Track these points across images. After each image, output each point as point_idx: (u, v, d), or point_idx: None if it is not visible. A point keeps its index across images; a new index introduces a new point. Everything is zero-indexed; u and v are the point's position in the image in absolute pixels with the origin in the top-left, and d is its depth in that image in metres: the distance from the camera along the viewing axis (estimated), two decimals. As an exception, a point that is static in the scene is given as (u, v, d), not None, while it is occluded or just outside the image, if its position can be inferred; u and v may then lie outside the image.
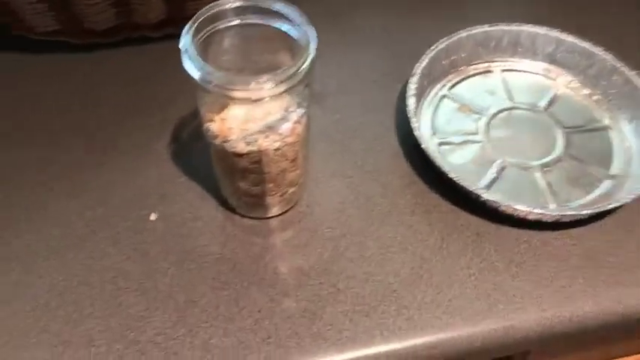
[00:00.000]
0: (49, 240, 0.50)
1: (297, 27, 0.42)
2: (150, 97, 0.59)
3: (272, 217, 0.52)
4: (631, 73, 0.57)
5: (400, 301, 0.47)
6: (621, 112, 0.58)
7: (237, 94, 0.39)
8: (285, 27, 0.43)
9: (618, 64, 0.58)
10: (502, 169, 0.55)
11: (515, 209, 0.49)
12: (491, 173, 0.54)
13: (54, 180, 0.53)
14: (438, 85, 0.60)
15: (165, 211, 0.52)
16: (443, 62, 0.60)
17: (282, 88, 0.39)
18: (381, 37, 0.66)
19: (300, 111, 0.45)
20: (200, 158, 0.54)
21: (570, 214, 0.49)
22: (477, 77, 0.61)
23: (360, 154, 0.56)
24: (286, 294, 0.48)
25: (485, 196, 0.49)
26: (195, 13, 0.42)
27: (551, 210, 0.50)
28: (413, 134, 0.53)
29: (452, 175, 0.50)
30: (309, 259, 0.50)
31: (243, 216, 0.52)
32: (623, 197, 0.50)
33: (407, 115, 0.54)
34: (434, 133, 0.57)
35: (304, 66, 0.40)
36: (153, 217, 0.51)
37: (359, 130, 0.58)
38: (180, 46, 0.40)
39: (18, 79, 0.61)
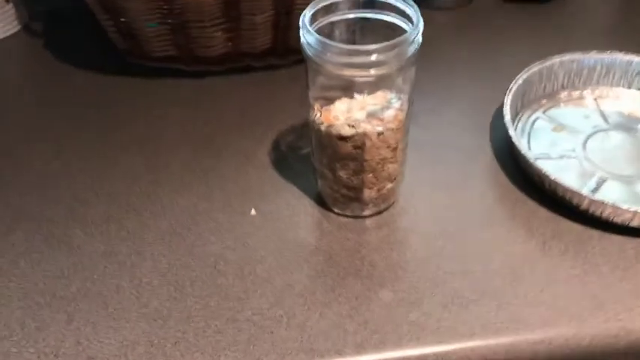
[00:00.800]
0: (157, 229, 0.52)
1: (407, 19, 0.45)
2: (252, 117, 0.63)
3: (366, 216, 0.52)
4: None
5: (501, 296, 0.46)
6: None
7: (355, 60, 0.41)
8: (395, 19, 0.46)
9: None
10: (602, 181, 0.54)
11: (622, 211, 0.48)
12: (590, 185, 0.54)
13: (167, 180, 0.57)
14: (531, 109, 0.61)
15: (264, 208, 0.54)
16: (536, 87, 0.61)
17: (395, 64, 0.42)
18: (477, 63, 0.69)
19: (403, 98, 0.47)
20: (297, 165, 0.57)
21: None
22: (570, 103, 0.62)
23: (454, 165, 0.57)
24: (382, 285, 0.47)
25: (589, 199, 0.48)
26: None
27: (659, 214, 0.48)
28: (509, 147, 0.54)
29: (553, 177, 0.50)
30: (404, 254, 0.49)
31: (338, 214, 0.53)
32: None
33: (502, 130, 0.55)
34: (531, 151, 0.57)
35: (416, 38, 0.43)
36: (253, 212, 0.53)
37: (452, 145, 0.59)
38: (300, 23, 0.43)
39: (139, 100, 0.66)
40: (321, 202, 0.54)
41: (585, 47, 0.63)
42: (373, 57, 0.42)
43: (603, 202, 0.48)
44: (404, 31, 0.44)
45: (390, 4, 0.45)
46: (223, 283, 0.48)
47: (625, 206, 0.47)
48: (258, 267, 0.49)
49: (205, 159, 0.59)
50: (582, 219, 0.51)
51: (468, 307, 0.45)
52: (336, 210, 0.53)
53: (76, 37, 0.75)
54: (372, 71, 0.43)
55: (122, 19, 0.63)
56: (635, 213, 0.48)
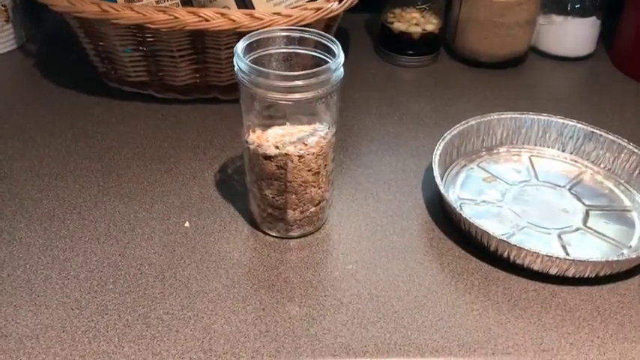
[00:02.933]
0: (95, 230, 0.56)
1: (331, 54, 0.50)
2: (207, 141, 0.67)
3: (293, 237, 0.55)
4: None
5: (400, 321, 0.48)
6: (645, 199, 0.60)
7: (280, 84, 0.46)
8: (322, 55, 0.50)
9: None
10: (519, 228, 0.57)
11: (526, 253, 0.50)
12: (506, 229, 0.56)
13: (115, 188, 0.61)
14: (468, 160, 0.65)
15: (198, 222, 0.57)
16: (474, 140, 0.65)
17: (317, 90, 0.47)
18: (429, 114, 0.73)
19: (326, 129, 0.51)
20: (238, 187, 0.60)
21: (580, 263, 0.50)
22: (504, 158, 0.66)
23: (385, 201, 0.60)
24: (291, 299, 0.50)
25: (497, 239, 0.51)
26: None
27: (560, 258, 0.50)
28: (435, 189, 0.57)
29: (469, 218, 0.53)
30: (318, 274, 0.52)
31: (266, 234, 0.56)
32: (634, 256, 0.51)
33: (433, 174, 0.59)
34: (458, 196, 0.60)
35: (336, 69, 0.47)
36: (187, 224, 0.57)
37: (388, 184, 0.62)
38: (234, 51, 0.48)
39: (109, 118, 0.71)
40: (253, 222, 0.57)
41: (536, 110, 0.67)
42: (297, 82, 0.47)
43: (509, 244, 0.51)
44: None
45: (317, 41, 0.50)
46: (143, 284, 0.51)
47: (527, 248, 0.50)
48: (179, 272, 0.52)
49: (155, 173, 0.63)
50: (491, 259, 0.53)
51: (366, 327, 0.48)
52: (264, 229, 0.56)
53: (65, 60, 0.81)
54: (297, 95, 0.47)
55: (101, 43, 0.69)
56: (537, 255, 0.50)
